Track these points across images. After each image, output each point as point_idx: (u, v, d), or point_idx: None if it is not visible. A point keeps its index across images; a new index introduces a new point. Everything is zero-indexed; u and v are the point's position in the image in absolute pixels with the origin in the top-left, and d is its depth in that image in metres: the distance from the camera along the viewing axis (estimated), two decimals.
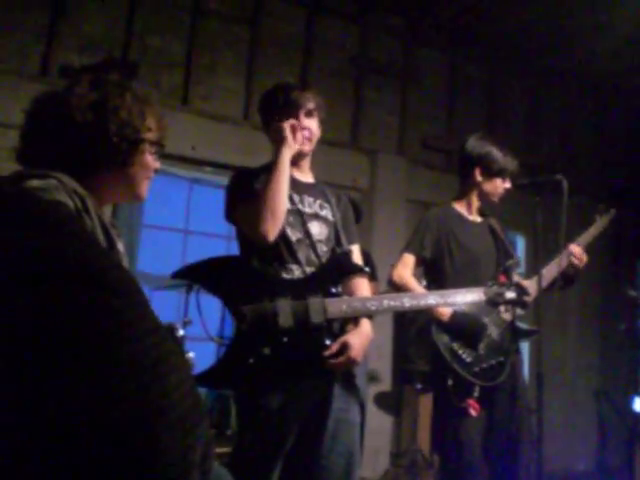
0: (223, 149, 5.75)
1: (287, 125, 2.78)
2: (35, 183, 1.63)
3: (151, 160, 1.98)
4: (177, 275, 2.69)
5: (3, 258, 0.81)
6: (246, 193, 2.79)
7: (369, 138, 6.93)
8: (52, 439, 0.75)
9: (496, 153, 3.67)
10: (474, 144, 3.74)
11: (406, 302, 2.87)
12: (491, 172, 3.67)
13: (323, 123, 3.04)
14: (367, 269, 3.00)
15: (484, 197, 3.72)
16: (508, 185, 3.70)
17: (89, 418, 0.76)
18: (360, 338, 2.74)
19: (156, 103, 2.01)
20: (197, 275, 2.72)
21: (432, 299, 3.00)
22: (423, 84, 7.38)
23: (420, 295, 3.08)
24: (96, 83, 1.85)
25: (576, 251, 3.61)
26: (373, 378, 5.99)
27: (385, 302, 2.81)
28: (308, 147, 2.93)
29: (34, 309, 0.78)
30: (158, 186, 5.94)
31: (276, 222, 2.68)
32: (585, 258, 3.63)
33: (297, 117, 2.88)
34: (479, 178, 3.68)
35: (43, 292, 0.80)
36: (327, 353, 2.65)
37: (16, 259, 0.81)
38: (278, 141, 2.78)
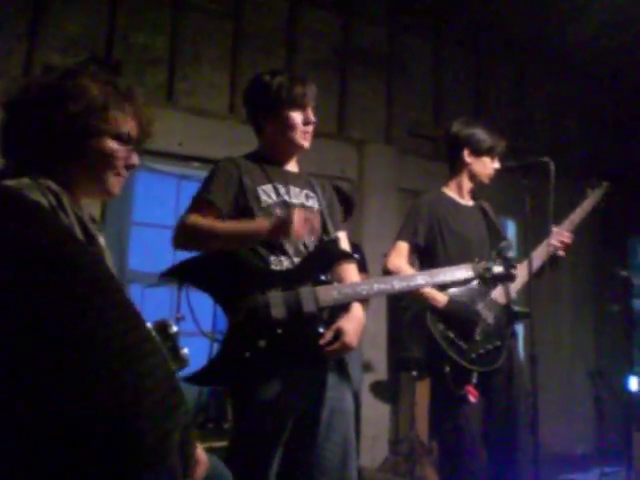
0: (210, 144, 5.73)
1: (297, 220, 2.60)
2: (8, 183, 1.62)
3: (110, 150, 1.92)
4: (165, 275, 2.68)
5: None
6: (208, 198, 2.74)
7: (356, 128, 6.92)
8: (26, 427, 0.75)
9: (483, 132, 3.71)
10: (460, 126, 3.77)
11: (396, 284, 2.87)
12: (480, 151, 3.69)
13: None
14: (356, 255, 3.01)
15: (475, 178, 3.74)
16: (497, 165, 3.72)
17: (62, 404, 0.76)
18: (353, 323, 2.73)
19: (135, 98, 1.98)
20: (185, 274, 2.71)
21: (421, 279, 3.03)
22: (408, 72, 7.36)
23: (409, 276, 3.08)
24: (69, 72, 1.83)
25: (562, 236, 3.62)
26: (368, 367, 6.00)
27: (375, 286, 2.81)
28: (309, 143, 2.93)
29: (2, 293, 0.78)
30: (146, 183, 5.94)
31: (189, 249, 2.69)
32: (568, 241, 3.63)
33: (307, 112, 2.88)
34: (468, 159, 3.70)
35: (9, 276, 0.80)
36: (322, 341, 2.65)
37: None
38: (272, 230, 2.60)
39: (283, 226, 2.57)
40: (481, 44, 7.72)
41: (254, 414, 2.65)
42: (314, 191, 2.98)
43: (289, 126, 2.90)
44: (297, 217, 2.59)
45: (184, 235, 2.69)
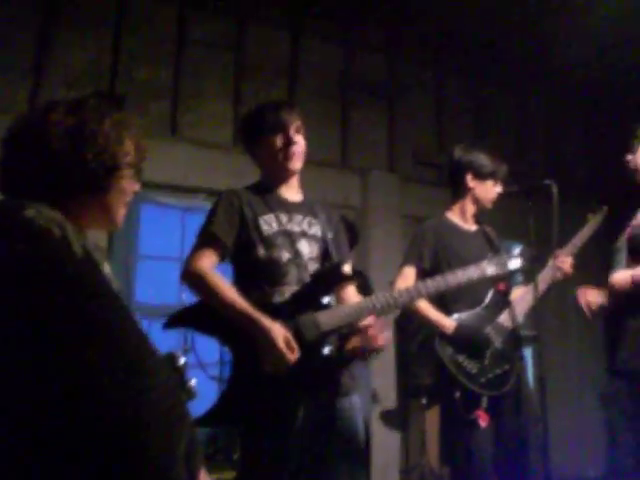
0: (215, 175, 5.76)
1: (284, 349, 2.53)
2: (30, 213, 1.63)
3: (129, 185, 1.95)
4: (169, 324, 2.69)
5: None
6: (212, 232, 2.76)
7: (359, 156, 6.95)
8: (36, 438, 0.76)
9: (485, 157, 3.74)
10: (462, 151, 3.80)
11: (399, 298, 2.83)
12: (482, 175, 3.71)
13: (310, 143, 3.04)
14: (357, 274, 2.99)
15: (478, 202, 3.75)
16: (499, 189, 3.74)
17: (68, 417, 0.77)
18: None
19: (135, 126, 2.00)
20: (188, 321, 2.73)
21: (423, 289, 2.93)
22: (410, 100, 7.40)
23: (412, 289, 3.04)
24: (72, 109, 1.84)
25: (564, 261, 3.61)
26: (377, 395, 5.97)
27: (377, 302, 2.77)
28: (300, 164, 2.93)
29: (15, 308, 0.80)
30: (152, 216, 5.96)
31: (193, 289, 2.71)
32: (569, 269, 3.63)
33: (287, 134, 2.88)
34: (471, 183, 3.72)
35: (23, 293, 0.81)
36: (349, 347, 2.66)
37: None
38: (267, 346, 2.53)
39: (276, 357, 2.52)
40: (481, 71, 7.75)
41: (262, 444, 2.64)
42: (317, 218, 2.98)
43: (271, 151, 2.93)
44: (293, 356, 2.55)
45: (190, 282, 2.72)
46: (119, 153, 1.87)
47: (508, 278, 3.46)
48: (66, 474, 0.80)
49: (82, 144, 1.80)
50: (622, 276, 3.49)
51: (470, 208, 3.79)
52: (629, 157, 3.48)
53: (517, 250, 3.25)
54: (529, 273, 3.39)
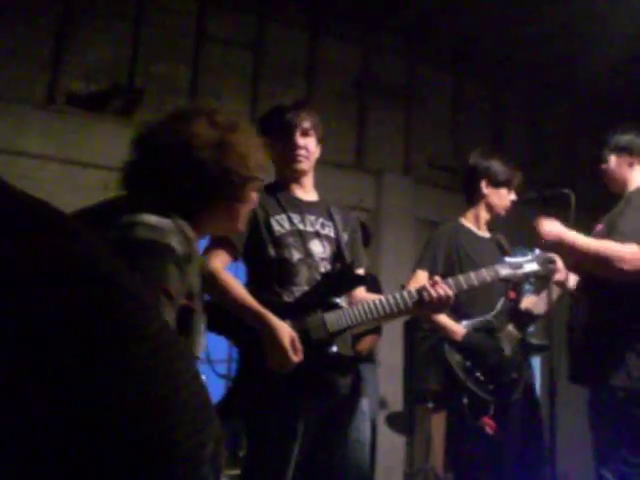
0: None
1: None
2: (153, 220, 1.63)
3: (255, 195, 2.00)
4: None
5: (29, 263, 0.83)
6: (225, 237, 2.73)
7: (374, 159, 6.96)
8: (66, 436, 0.76)
9: (500, 164, 3.73)
10: (478, 158, 3.79)
11: (408, 300, 2.79)
12: (497, 182, 3.71)
13: (326, 143, 3.04)
14: (369, 277, 2.98)
15: (492, 209, 3.74)
16: (514, 197, 3.73)
17: (103, 417, 0.77)
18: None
19: (257, 135, 2.04)
20: None
21: (433, 292, 2.82)
22: (427, 103, 7.41)
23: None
24: (211, 120, 1.86)
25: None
26: (384, 399, 5.97)
27: (386, 304, 2.76)
28: (305, 165, 2.92)
29: (52, 309, 0.80)
30: None
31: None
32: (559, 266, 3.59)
33: (292, 137, 2.87)
34: (486, 190, 3.71)
35: (61, 293, 0.82)
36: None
37: (42, 263, 0.83)
38: (272, 344, 2.51)
39: (280, 356, 2.50)
40: (498, 77, 7.75)
41: (267, 442, 2.65)
42: (332, 219, 2.97)
43: (278, 154, 2.95)
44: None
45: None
46: (253, 163, 1.90)
47: (521, 282, 3.44)
48: (94, 473, 0.81)
49: (225, 154, 1.83)
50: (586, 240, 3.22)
51: (484, 215, 3.78)
52: (603, 166, 3.43)
53: (533, 254, 3.23)
54: (544, 278, 3.37)
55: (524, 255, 3.27)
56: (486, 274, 3.04)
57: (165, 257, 1.59)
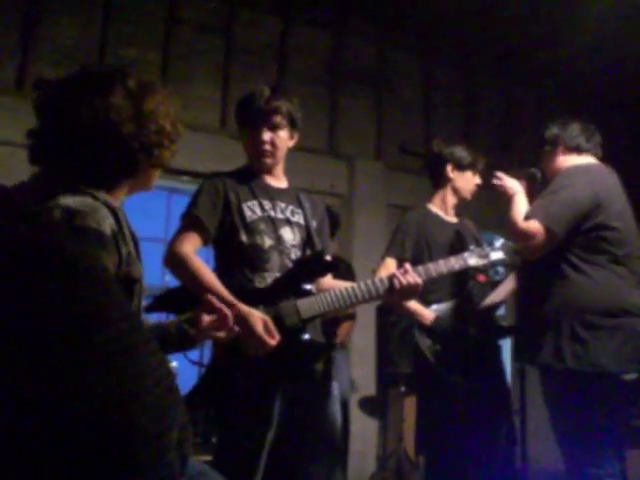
0: (200, 158, 5.74)
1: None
2: (69, 201, 1.61)
3: (172, 155, 2.00)
4: (150, 309, 2.69)
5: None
6: (195, 216, 2.76)
7: (346, 144, 6.95)
8: (27, 421, 0.76)
9: (464, 148, 3.84)
10: (442, 144, 3.88)
11: (380, 287, 2.82)
12: (462, 166, 3.80)
13: (299, 129, 3.04)
14: (340, 261, 2.99)
15: (457, 193, 3.82)
16: (478, 180, 3.80)
17: (64, 401, 0.77)
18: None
19: (171, 99, 2.02)
20: (169, 305, 2.72)
21: (404, 280, 2.82)
22: (398, 89, 7.41)
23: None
24: (125, 88, 1.84)
25: None
26: (356, 383, 5.99)
27: (358, 291, 2.78)
28: (270, 160, 2.91)
29: (17, 292, 0.80)
30: (137, 197, 5.94)
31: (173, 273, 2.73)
32: None
33: (259, 132, 2.86)
34: (451, 174, 3.79)
35: (26, 276, 0.81)
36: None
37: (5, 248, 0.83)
38: (246, 332, 2.48)
39: (256, 341, 2.50)
40: (470, 62, 7.77)
41: (242, 428, 2.65)
42: (301, 207, 2.98)
43: (245, 145, 2.98)
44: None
45: (172, 264, 2.73)
46: (171, 129, 1.90)
47: (489, 269, 3.49)
48: (56, 462, 0.81)
49: (144, 126, 1.81)
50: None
51: (450, 199, 3.84)
52: (543, 165, 3.49)
53: (499, 242, 3.29)
54: (509, 266, 3.42)
55: (492, 241, 3.33)
56: (454, 262, 3.09)
57: (92, 241, 1.58)
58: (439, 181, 3.88)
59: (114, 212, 1.70)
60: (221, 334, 2.24)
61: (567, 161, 3.35)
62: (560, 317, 3.04)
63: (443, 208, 3.83)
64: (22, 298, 0.82)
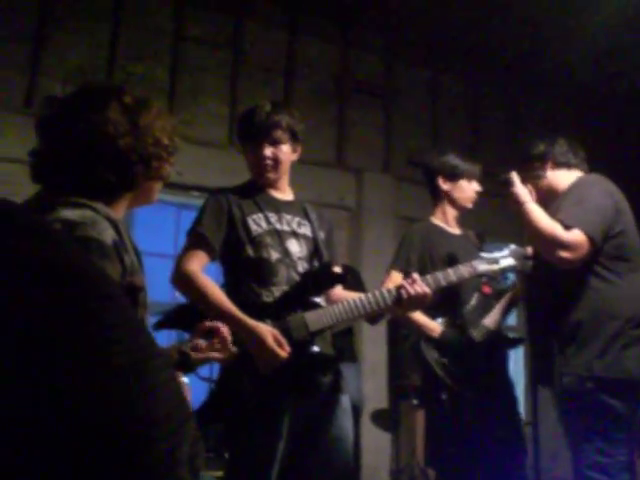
0: (209, 173, 5.76)
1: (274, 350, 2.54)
2: (69, 214, 1.64)
3: (170, 168, 2.02)
4: (159, 326, 2.70)
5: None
6: (200, 233, 2.77)
7: (354, 157, 6.96)
8: (40, 440, 0.76)
9: (454, 158, 3.77)
10: (432, 156, 3.86)
11: (387, 298, 2.82)
12: (454, 176, 3.74)
13: (305, 142, 3.03)
14: (349, 270, 2.98)
15: (456, 204, 3.78)
16: (477, 187, 3.75)
17: (76, 418, 0.77)
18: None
19: (167, 113, 2.05)
20: (178, 323, 2.73)
21: (412, 290, 2.83)
22: (406, 101, 7.41)
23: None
24: (121, 103, 1.86)
25: None
26: (368, 396, 5.97)
27: (366, 302, 2.78)
28: (273, 175, 2.91)
29: (28, 311, 0.80)
30: (147, 212, 5.97)
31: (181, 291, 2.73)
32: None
33: (260, 148, 2.86)
34: (444, 186, 3.75)
35: (35, 295, 0.81)
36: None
37: (12, 266, 0.83)
38: (256, 346, 2.55)
39: (267, 355, 2.53)
40: (477, 72, 7.76)
41: (250, 444, 2.65)
42: (308, 218, 2.98)
43: (247, 161, 2.99)
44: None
45: (179, 283, 2.75)
46: (168, 142, 1.92)
47: (497, 277, 3.47)
48: (69, 471, 0.81)
49: (141, 139, 1.83)
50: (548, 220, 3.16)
51: (450, 211, 3.81)
52: (534, 179, 3.44)
53: (508, 249, 3.27)
54: (520, 272, 3.40)
55: (497, 249, 3.31)
56: (464, 270, 3.07)
57: (94, 252, 1.60)
58: (435, 194, 3.85)
59: (114, 224, 1.71)
60: (220, 356, 2.27)
61: (557, 176, 3.34)
62: (587, 327, 3.02)
63: (445, 220, 3.80)
64: (29, 317, 0.82)
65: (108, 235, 1.67)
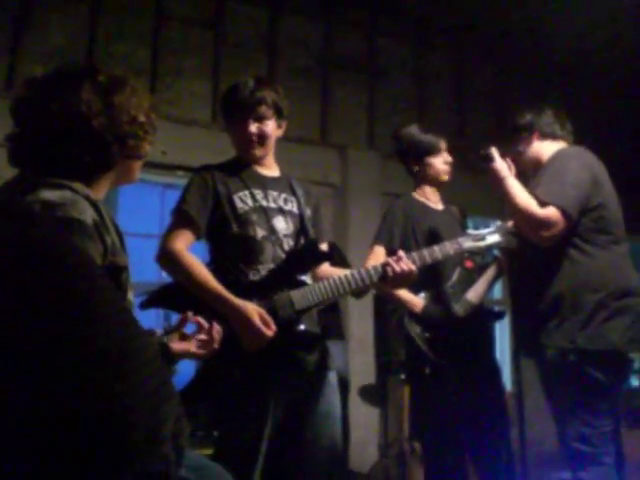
0: (193, 152, 5.73)
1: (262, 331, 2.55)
2: (49, 195, 1.64)
3: (149, 145, 2.01)
4: (145, 305, 2.70)
5: None
6: (185, 211, 2.77)
7: (339, 134, 6.95)
8: (23, 418, 0.77)
9: (417, 135, 3.76)
10: (399, 138, 3.81)
11: (373, 275, 2.83)
12: (420, 154, 3.73)
13: (289, 119, 3.03)
14: (333, 247, 2.99)
15: (431, 180, 3.78)
16: (448, 159, 3.75)
17: (58, 397, 0.78)
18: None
19: (143, 89, 2.04)
20: (165, 301, 2.74)
21: (397, 267, 2.83)
22: (390, 77, 7.40)
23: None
24: (95, 83, 1.85)
25: None
26: (356, 371, 6.00)
27: (351, 279, 2.79)
28: (259, 152, 2.91)
29: (10, 292, 0.81)
30: (131, 193, 5.95)
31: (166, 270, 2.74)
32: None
33: (245, 124, 2.86)
34: (415, 167, 3.76)
35: (18, 276, 0.82)
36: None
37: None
38: (242, 325, 2.56)
39: (253, 333, 2.55)
40: (462, 47, 7.76)
41: (240, 421, 2.67)
42: (295, 194, 2.98)
43: (232, 138, 2.99)
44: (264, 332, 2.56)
45: (164, 262, 2.75)
46: (145, 120, 1.91)
47: (484, 253, 3.49)
48: (50, 457, 0.82)
49: (116, 118, 1.82)
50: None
51: (428, 187, 3.81)
52: (520, 149, 3.46)
53: (494, 225, 3.29)
54: (505, 249, 3.42)
55: (483, 226, 3.32)
56: (449, 247, 3.07)
57: (75, 232, 1.61)
58: (410, 173, 3.86)
59: (94, 204, 1.71)
60: (201, 352, 2.29)
61: (543, 147, 3.35)
62: (569, 299, 3.05)
63: (425, 196, 3.81)
64: (11, 298, 0.83)
65: (88, 215, 1.68)
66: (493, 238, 3.21)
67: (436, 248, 3.04)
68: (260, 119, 2.87)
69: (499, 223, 3.33)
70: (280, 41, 6.77)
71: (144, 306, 2.69)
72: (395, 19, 7.35)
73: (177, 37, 6.21)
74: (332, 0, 7.04)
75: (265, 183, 2.92)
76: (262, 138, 2.88)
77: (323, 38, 7.06)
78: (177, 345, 2.24)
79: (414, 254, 2.94)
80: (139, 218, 6.16)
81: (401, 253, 2.86)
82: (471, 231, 3.25)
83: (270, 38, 6.73)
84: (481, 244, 3.20)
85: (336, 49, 7.09)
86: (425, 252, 2.99)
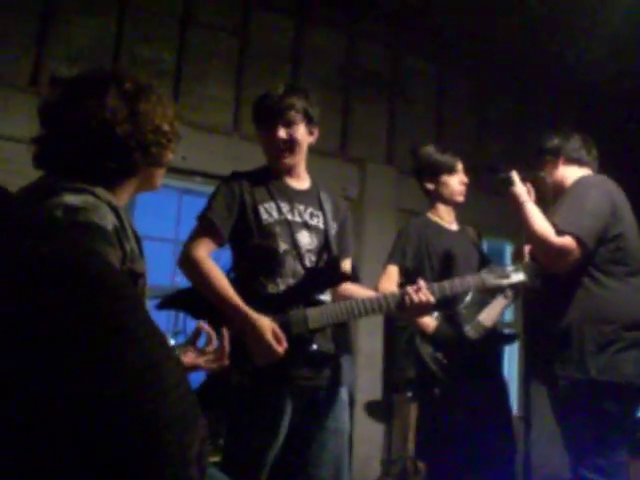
0: (213, 159, 5.75)
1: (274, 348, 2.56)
2: (71, 199, 1.65)
3: (172, 154, 2.02)
4: (162, 305, 2.71)
5: (11, 263, 0.83)
6: (210, 219, 2.77)
7: (358, 148, 6.95)
8: (54, 439, 0.77)
9: (431, 155, 3.77)
10: (416, 155, 3.81)
11: (390, 302, 2.81)
12: (434, 174, 3.73)
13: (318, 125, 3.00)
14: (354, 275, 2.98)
15: (446, 200, 3.76)
16: (464, 179, 3.74)
17: (91, 418, 0.78)
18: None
19: (166, 98, 2.05)
20: (181, 304, 2.74)
21: (415, 297, 2.81)
22: (411, 93, 7.40)
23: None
24: (120, 90, 1.87)
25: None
26: (363, 387, 5.99)
27: (368, 304, 2.77)
28: (289, 159, 2.89)
29: (36, 311, 0.80)
30: (148, 197, 5.96)
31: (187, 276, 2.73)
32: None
33: (275, 130, 2.84)
34: (430, 185, 3.74)
35: (45, 294, 0.82)
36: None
37: (21, 264, 0.83)
38: (255, 339, 2.56)
39: (265, 349, 2.54)
40: (483, 68, 7.75)
41: (244, 434, 2.66)
42: (322, 209, 2.95)
43: (262, 145, 2.96)
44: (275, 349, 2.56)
45: (185, 268, 2.75)
46: (169, 129, 1.92)
47: (505, 291, 3.44)
48: (81, 475, 0.81)
49: (140, 125, 1.83)
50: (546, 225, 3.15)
51: (443, 208, 3.81)
52: (541, 173, 3.45)
53: (522, 264, 3.22)
54: (529, 289, 3.35)
55: (515, 264, 3.25)
56: (471, 281, 3.05)
57: (95, 238, 1.61)
58: (426, 193, 3.86)
59: (115, 210, 1.72)
60: (210, 366, 2.30)
61: (568, 172, 3.34)
62: (582, 330, 3.02)
63: (440, 217, 3.80)
64: (43, 318, 0.82)
65: (109, 221, 1.68)
66: (518, 277, 3.15)
67: (457, 282, 3.01)
68: (289, 124, 2.85)
69: (526, 262, 3.27)
70: (304, 52, 6.78)
71: (160, 307, 2.70)
72: (419, 37, 7.35)
73: (202, 43, 6.23)
74: (358, 14, 7.05)
75: (292, 196, 2.90)
76: (291, 144, 2.86)
77: (347, 51, 7.07)
78: (187, 359, 2.25)
79: (435, 285, 2.91)
80: (155, 222, 6.18)
81: (422, 283, 2.83)
82: (496, 267, 3.21)
83: (295, 48, 6.74)
84: (504, 282, 3.15)
85: (359, 63, 7.10)
86: (446, 284, 2.96)
